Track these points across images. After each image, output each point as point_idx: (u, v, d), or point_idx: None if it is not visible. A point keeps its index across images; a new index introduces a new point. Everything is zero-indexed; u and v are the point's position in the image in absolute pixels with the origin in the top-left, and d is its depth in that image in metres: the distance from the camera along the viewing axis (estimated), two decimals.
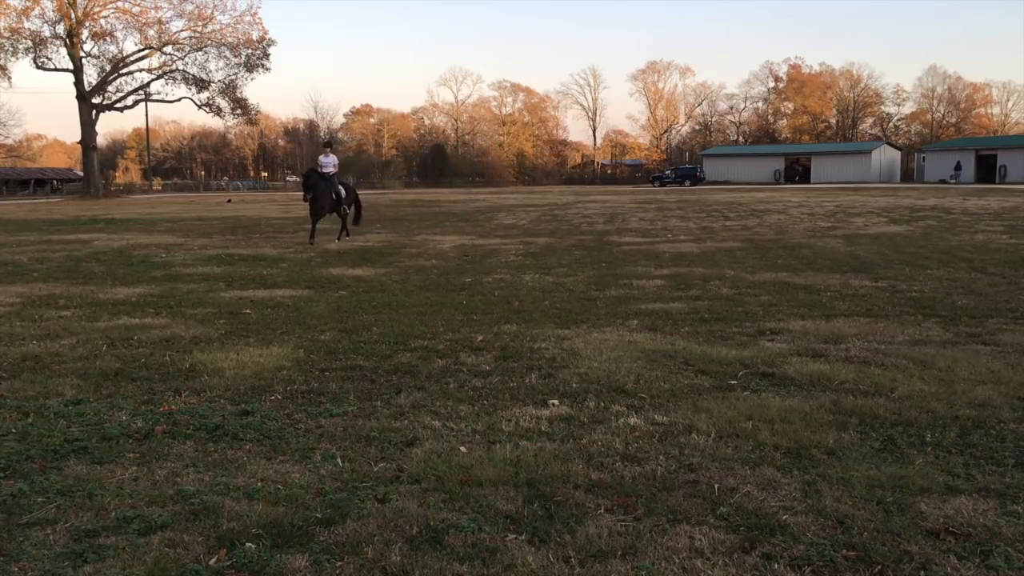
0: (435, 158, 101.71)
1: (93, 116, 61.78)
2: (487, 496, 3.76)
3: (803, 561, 3.15)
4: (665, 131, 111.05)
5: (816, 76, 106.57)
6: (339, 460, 4.25)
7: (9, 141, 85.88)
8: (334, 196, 18.10)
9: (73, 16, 58.26)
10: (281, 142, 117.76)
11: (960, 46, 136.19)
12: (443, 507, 3.66)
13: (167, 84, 65.69)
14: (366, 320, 8.29)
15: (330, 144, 19.67)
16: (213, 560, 3.19)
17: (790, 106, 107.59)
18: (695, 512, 3.58)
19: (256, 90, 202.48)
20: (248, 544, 3.31)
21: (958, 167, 71.54)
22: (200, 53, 62.79)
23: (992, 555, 3.17)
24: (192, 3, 61.74)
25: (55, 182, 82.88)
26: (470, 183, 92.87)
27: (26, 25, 57.92)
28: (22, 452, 4.38)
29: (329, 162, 18.30)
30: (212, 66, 64.78)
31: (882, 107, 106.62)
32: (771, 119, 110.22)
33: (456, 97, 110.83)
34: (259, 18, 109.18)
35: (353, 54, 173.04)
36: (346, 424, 4.84)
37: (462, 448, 4.41)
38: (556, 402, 5.24)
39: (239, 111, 65.60)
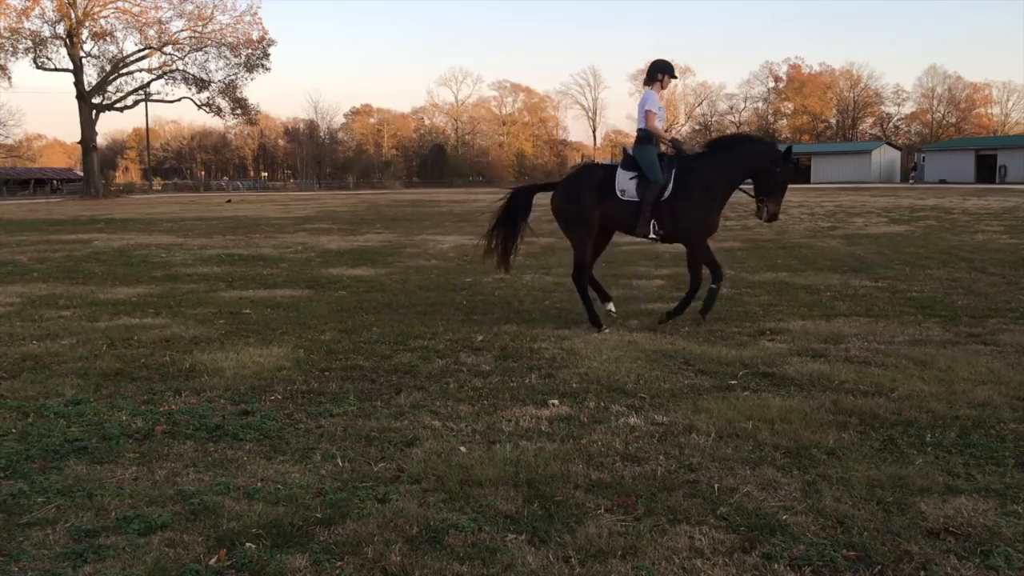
0: (435, 158, 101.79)
1: (93, 116, 61.81)
2: (487, 496, 3.76)
3: (803, 561, 3.15)
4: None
5: (816, 76, 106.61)
6: (339, 460, 4.25)
7: (9, 141, 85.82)
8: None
9: (73, 16, 58.29)
10: (281, 142, 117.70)
11: (960, 46, 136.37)
12: (443, 507, 3.66)
13: (167, 84, 65.78)
14: (366, 320, 8.29)
15: (669, 70, 8.38)
16: (213, 560, 3.19)
17: (790, 106, 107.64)
18: (695, 512, 3.58)
19: (256, 90, 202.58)
20: (248, 544, 3.31)
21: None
22: (200, 53, 62.92)
23: (992, 555, 3.17)
24: (192, 3, 61.83)
25: (55, 182, 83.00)
26: (470, 183, 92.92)
27: (26, 25, 58.07)
28: (22, 452, 4.37)
29: (655, 105, 8.30)
30: (212, 66, 64.73)
31: (882, 107, 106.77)
32: (771, 119, 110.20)
33: (456, 97, 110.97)
34: (259, 18, 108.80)
35: (353, 54, 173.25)
36: (346, 424, 4.84)
37: (462, 448, 4.41)
38: (556, 402, 5.24)
39: (239, 111, 65.67)
